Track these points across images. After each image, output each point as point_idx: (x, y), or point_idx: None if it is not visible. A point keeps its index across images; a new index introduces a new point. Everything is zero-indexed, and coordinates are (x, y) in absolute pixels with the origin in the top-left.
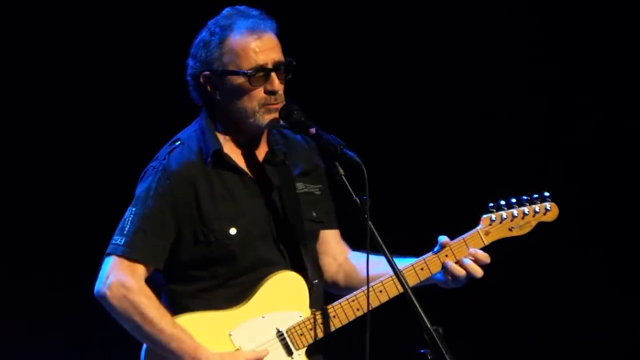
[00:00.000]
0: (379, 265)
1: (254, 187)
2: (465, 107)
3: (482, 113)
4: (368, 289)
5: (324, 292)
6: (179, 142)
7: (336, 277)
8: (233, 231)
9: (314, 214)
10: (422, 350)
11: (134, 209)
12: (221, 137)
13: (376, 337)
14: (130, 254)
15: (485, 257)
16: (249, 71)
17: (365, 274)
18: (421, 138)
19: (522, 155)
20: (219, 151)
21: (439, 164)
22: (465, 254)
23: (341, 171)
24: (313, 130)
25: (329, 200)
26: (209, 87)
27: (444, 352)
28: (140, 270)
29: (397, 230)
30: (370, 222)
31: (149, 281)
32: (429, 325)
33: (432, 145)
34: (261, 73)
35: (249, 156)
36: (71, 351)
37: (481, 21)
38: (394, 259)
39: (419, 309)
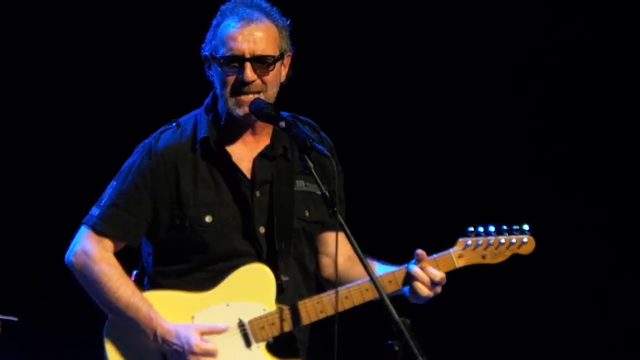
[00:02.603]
0: (373, 267)
1: (241, 178)
2: (459, 112)
3: (475, 120)
4: (337, 290)
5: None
6: (175, 123)
7: (332, 277)
8: (209, 219)
9: (307, 213)
10: (389, 342)
11: (114, 183)
12: (219, 125)
13: (345, 329)
14: (100, 227)
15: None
16: (224, 58)
17: (358, 277)
18: (415, 141)
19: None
20: (207, 139)
21: (431, 174)
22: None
23: (310, 164)
24: (282, 124)
25: (339, 202)
26: (206, 68)
27: (410, 342)
28: (108, 242)
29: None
30: (339, 216)
31: (140, 260)
32: (396, 317)
33: (425, 151)
34: (235, 62)
35: (244, 147)
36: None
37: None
38: (379, 264)
39: (388, 301)
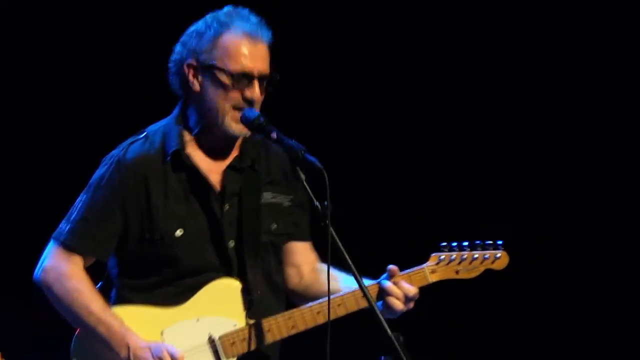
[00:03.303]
0: (336, 280)
1: (211, 191)
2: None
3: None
4: (329, 300)
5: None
6: (144, 134)
7: (297, 288)
8: (179, 232)
9: (274, 226)
10: (382, 357)
11: (84, 197)
12: (188, 136)
13: (336, 344)
14: (70, 242)
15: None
16: (235, 73)
17: (324, 288)
18: (394, 150)
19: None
20: (179, 151)
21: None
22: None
23: (302, 176)
24: (274, 135)
25: (302, 212)
26: (190, 76)
27: (404, 357)
28: (78, 258)
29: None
30: (331, 228)
31: (105, 271)
32: (389, 332)
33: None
34: (245, 78)
35: (215, 159)
36: None
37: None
38: (344, 275)
39: (380, 316)
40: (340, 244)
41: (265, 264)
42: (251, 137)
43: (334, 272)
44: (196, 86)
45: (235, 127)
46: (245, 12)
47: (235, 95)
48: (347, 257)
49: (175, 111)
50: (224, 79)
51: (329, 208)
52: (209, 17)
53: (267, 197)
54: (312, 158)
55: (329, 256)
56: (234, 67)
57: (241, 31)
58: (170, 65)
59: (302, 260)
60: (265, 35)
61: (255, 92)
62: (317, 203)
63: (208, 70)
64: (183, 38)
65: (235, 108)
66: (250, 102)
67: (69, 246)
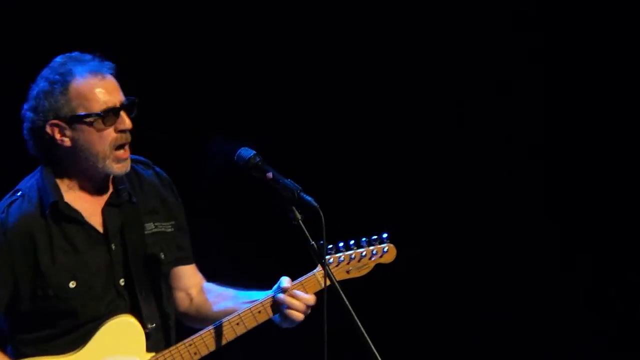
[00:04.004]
0: (227, 300)
1: (95, 234)
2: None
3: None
4: (326, 332)
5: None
6: (20, 192)
7: (189, 311)
8: (72, 284)
9: (162, 256)
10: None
11: None
12: (64, 185)
13: None
14: None
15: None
16: (101, 112)
17: (216, 308)
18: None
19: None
20: (57, 203)
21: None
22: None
23: (298, 216)
24: (270, 175)
25: (184, 234)
26: (57, 135)
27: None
28: None
29: None
30: (328, 267)
31: None
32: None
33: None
34: (112, 113)
35: (92, 201)
36: None
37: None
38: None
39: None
40: (337, 283)
41: (158, 295)
42: None
43: (225, 291)
44: (67, 142)
45: (117, 167)
46: (76, 54)
47: (109, 133)
48: (342, 295)
49: (42, 167)
50: (93, 122)
51: (325, 247)
52: (46, 74)
53: (150, 227)
54: (308, 198)
55: (325, 293)
56: (97, 107)
57: (86, 72)
58: (26, 133)
59: (190, 283)
60: (107, 67)
61: (126, 122)
62: (312, 242)
63: (75, 121)
64: (30, 104)
65: (115, 147)
66: (125, 133)
67: None
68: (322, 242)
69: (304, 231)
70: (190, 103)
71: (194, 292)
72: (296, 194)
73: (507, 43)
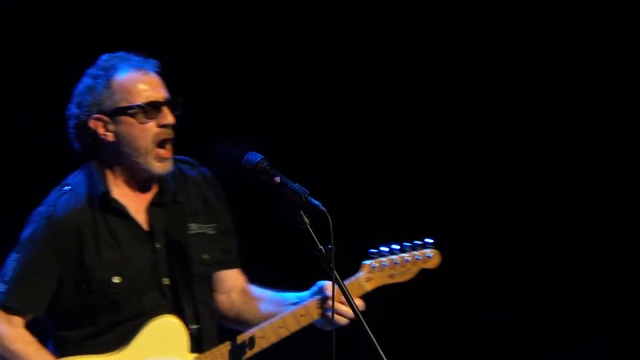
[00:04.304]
0: (267, 303)
1: (140, 232)
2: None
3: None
4: (334, 336)
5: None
6: (69, 187)
7: (230, 314)
8: (117, 280)
9: (205, 256)
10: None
11: (16, 255)
12: (112, 181)
13: None
14: (9, 303)
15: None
16: (143, 104)
17: (257, 312)
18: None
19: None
20: (106, 194)
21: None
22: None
23: (306, 220)
24: (277, 179)
25: (230, 238)
26: (100, 130)
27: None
28: (17, 318)
29: None
30: (335, 272)
31: (38, 326)
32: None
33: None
34: (154, 107)
35: (137, 199)
36: None
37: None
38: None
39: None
40: (345, 288)
41: (203, 295)
42: None
43: (272, 295)
44: (110, 137)
45: (158, 166)
46: (122, 53)
47: (151, 127)
48: (351, 299)
49: (90, 162)
50: (135, 114)
51: (333, 251)
52: (90, 72)
53: (194, 227)
54: (316, 202)
55: (333, 298)
56: (139, 100)
57: (129, 67)
58: (71, 131)
59: (232, 286)
60: (151, 65)
61: (168, 117)
62: (320, 247)
63: (117, 114)
64: (75, 100)
65: (157, 144)
66: (167, 128)
67: (8, 307)
68: (330, 246)
69: (312, 235)
70: (199, 107)
71: (235, 295)
72: (304, 198)
73: (507, 43)
